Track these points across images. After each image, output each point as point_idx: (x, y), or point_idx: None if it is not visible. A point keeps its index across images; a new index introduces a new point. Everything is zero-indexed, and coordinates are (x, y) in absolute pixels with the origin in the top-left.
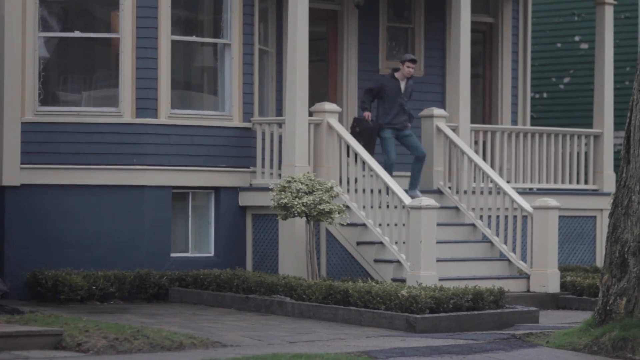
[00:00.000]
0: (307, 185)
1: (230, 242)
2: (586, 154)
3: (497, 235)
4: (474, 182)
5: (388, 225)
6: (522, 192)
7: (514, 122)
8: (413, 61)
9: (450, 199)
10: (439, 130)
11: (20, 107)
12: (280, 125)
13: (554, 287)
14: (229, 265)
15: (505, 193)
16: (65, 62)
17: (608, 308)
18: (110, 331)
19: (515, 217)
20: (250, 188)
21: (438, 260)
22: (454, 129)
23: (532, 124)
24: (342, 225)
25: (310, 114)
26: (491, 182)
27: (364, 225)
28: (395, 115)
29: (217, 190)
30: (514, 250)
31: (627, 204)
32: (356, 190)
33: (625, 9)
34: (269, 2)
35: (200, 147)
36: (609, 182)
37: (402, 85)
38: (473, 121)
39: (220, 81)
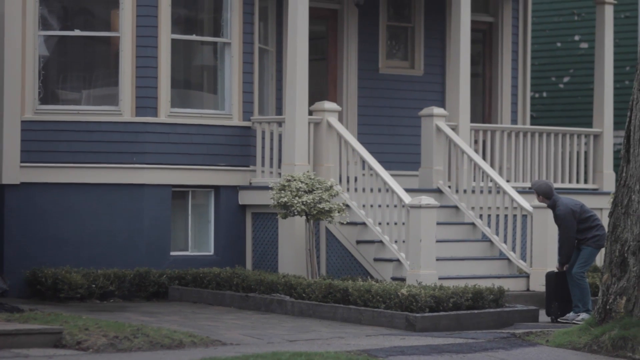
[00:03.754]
0: (306, 184)
1: (230, 241)
2: (586, 153)
3: (497, 234)
4: (474, 181)
5: (388, 224)
6: (522, 191)
7: (514, 121)
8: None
9: (450, 198)
10: (438, 129)
11: (20, 105)
12: (280, 124)
13: None
14: (228, 264)
15: (505, 192)
16: (65, 60)
17: (608, 307)
18: (110, 329)
19: (515, 216)
20: (250, 187)
21: (438, 259)
22: (454, 128)
23: (531, 124)
24: (342, 224)
25: (310, 112)
26: (491, 181)
27: (363, 224)
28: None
29: (216, 189)
30: (513, 249)
31: (627, 203)
32: (356, 189)
33: (625, 9)
34: (269, 1)
35: (200, 145)
36: (609, 182)
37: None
38: (473, 120)
39: (220, 80)
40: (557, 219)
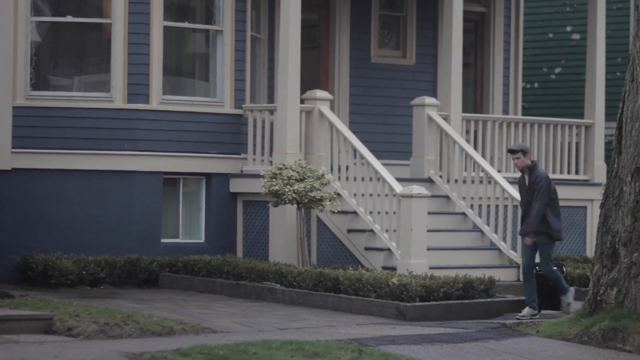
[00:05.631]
0: (298, 172)
1: (220, 229)
2: (577, 144)
3: (488, 224)
4: (465, 171)
5: (379, 213)
6: (513, 182)
7: (505, 111)
8: (512, 151)
9: (441, 188)
10: (430, 119)
11: (11, 91)
12: (271, 112)
13: None
14: (219, 252)
15: (496, 182)
16: (57, 46)
17: (598, 298)
18: (100, 316)
19: (506, 206)
20: (241, 175)
21: (429, 249)
22: (446, 118)
23: (523, 114)
24: (333, 212)
25: (302, 101)
26: (482, 171)
27: (354, 213)
28: (523, 217)
29: (208, 176)
30: (504, 240)
31: (619, 195)
32: (347, 178)
33: (617, 0)
34: None
35: (192, 133)
36: (600, 173)
37: (527, 179)
38: (464, 110)
39: (212, 67)
40: (539, 180)
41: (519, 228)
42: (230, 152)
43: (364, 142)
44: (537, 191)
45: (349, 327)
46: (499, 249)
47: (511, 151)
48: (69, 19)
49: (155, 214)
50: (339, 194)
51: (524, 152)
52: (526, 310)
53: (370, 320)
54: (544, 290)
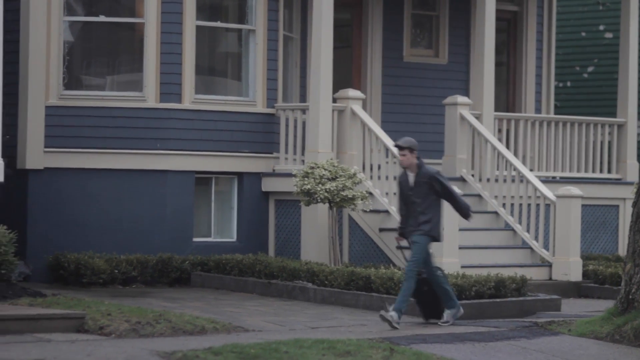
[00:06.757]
0: (330, 171)
1: (252, 228)
2: (609, 143)
3: (520, 223)
4: (497, 170)
5: None
6: (545, 181)
7: (538, 110)
8: (399, 147)
9: (473, 187)
10: (462, 118)
11: (44, 91)
12: (303, 111)
13: (576, 275)
14: (251, 251)
15: (528, 181)
16: (89, 46)
17: (630, 297)
18: (132, 315)
19: (538, 205)
20: (273, 174)
21: (460, 248)
22: (478, 117)
23: (555, 113)
24: (365, 211)
25: (334, 100)
26: (514, 170)
27: (386, 211)
28: (408, 217)
29: (240, 175)
30: (536, 239)
31: None
32: (379, 177)
33: None
34: None
35: (224, 132)
36: (632, 171)
37: (411, 178)
38: (497, 109)
39: (244, 67)
40: (436, 177)
41: (551, 227)
42: (262, 151)
43: (396, 141)
44: (442, 188)
45: (380, 326)
46: (530, 248)
47: (398, 147)
48: (102, 18)
49: (187, 213)
50: (370, 193)
51: (411, 149)
52: (395, 315)
53: (402, 318)
54: (428, 296)
